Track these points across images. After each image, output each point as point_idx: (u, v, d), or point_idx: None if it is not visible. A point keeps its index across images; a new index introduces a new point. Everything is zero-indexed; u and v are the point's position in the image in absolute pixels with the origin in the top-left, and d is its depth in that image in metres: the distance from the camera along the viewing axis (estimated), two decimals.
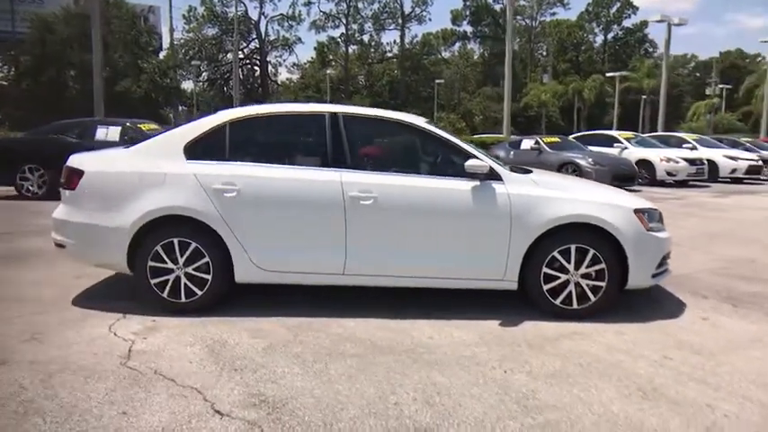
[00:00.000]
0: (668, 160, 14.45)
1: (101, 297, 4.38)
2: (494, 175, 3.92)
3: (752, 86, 42.63)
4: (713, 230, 7.50)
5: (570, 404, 2.75)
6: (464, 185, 3.90)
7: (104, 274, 4.86)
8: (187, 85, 45.77)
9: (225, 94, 52.23)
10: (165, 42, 43.20)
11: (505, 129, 21.41)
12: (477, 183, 3.90)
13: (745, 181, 16.43)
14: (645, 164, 14.44)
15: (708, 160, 15.33)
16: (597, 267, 3.91)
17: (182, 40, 50.98)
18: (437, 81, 53.34)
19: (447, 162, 4.12)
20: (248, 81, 56.10)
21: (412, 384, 2.94)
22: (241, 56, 51.30)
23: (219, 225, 3.86)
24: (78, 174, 4.04)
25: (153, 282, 3.94)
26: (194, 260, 3.91)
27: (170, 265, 3.92)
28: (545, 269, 3.91)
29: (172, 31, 43.48)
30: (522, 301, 4.11)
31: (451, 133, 4.29)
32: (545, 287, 3.93)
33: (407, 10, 58.23)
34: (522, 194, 3.89)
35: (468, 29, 66.49)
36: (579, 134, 17.19)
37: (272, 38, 56.48)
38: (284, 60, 72.34)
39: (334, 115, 4.05)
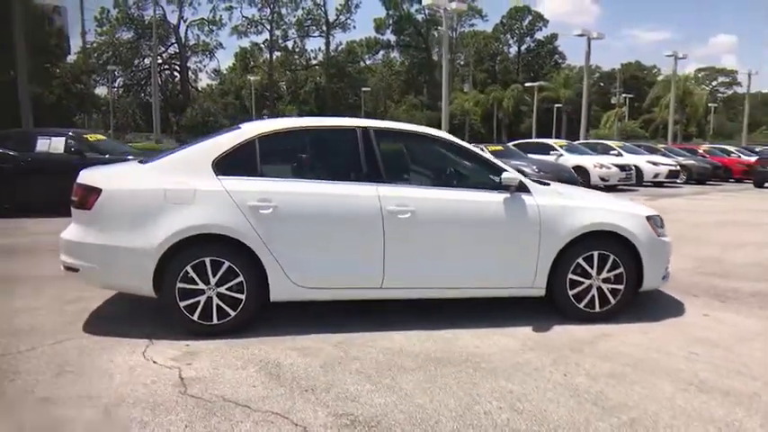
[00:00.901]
0: (601, 166, 15.47)
1: (111, 322, 4.12)
2: (522, 188, 4.09)
3: (656, 97, 46.47)
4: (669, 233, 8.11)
5: (641, 402, 2.95)
6: (496, 198, 4.04)
7: (100, 297, 4.58)
8: (100, 91, 43.25)
9: (142, 100, 49.83)
10: (74, 46, 40.63)
11: (443, 127, 22.00)
12: (508, 195, 4.05)
13: (665, 184, 17.87)
14: (580, 170, 15.34)
15: (634, 166, 16.55)
16: (616, 272, 4.17)
17: (94, 44, 48.18)
18: (364, 89, 53.79)
19: (476, 175, 4.25)
20: (167, 87, 53.85)
21: (488, 393, 3.03)
22: (159, 61, 49.16)
23: (255, 243, 3.76)
24: (95, 192, 3.79)
25: (182, 304, 3.76)
26: (227, 280, 3.78)
27: (201, 285, 3.77)
28: (570, 275, 4.13)
29: (84, 33, 41.07)
30: (531, 304, 4.30)
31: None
32: (570, 292, 4.15)
33: (332, 17, 58.39)
34: (550, 205, 4.09)
35: (392, 38, 67.67)
36: (517, 142, 18.00)
37: (191, 43, 54.65)
38: (205, 66, 69.92)
39: (365, 129, 4.07)
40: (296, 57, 60.90)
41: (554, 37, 77.52)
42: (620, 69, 71.05)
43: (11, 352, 3.56)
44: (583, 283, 4.16)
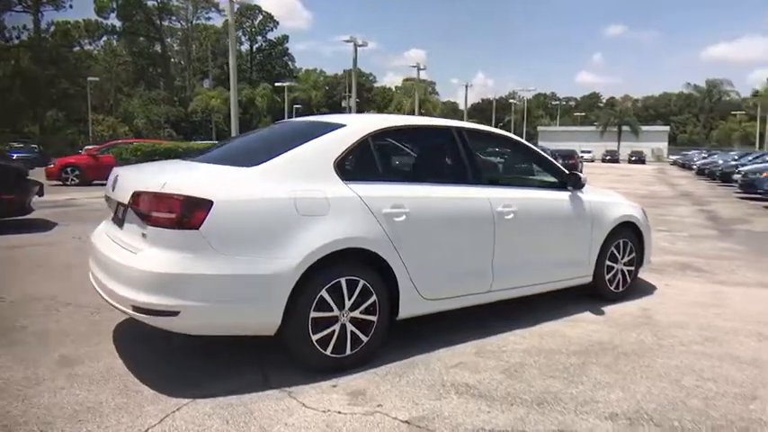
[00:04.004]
0: None
1: (178, 377, 3.16)
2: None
3: (399, 102, 52.17)
4: None
5: (757, 356, 3.65)
6: (565, 196, 4.37)
7: (104, 352, 3.51)
8: None
9: None
10: None
11: (234, 130, 20.90)
12: (570, 193, 4.42)
13: None
14: None
15: None
16: (631, 256, 4.92)
17: None
18: (90, 78, 46.82)
19: (545, 175, 4.50)
20: None
21: (669, 372, 3.36)
22: None
23: (391, 255, 3.35)
24: (203, 204, 2.85)
25: (315, 338, 3.12)
26: (359, 301, 3.28)
27: (335, 311, 3.18)
28: (607, 262, 4.71)
29: None
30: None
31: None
32: (607, 276, 4.73)
33: None
34: (596, 201, 4.61)
35: (117, 23, 60.47)
36: None
37: None
38: None
39: (459, 130, 3.95)
40: None
41: (285, 39, 79.88)
42: (342, 75, 77.11)
43: None
44: (613, 267, 4.78)
